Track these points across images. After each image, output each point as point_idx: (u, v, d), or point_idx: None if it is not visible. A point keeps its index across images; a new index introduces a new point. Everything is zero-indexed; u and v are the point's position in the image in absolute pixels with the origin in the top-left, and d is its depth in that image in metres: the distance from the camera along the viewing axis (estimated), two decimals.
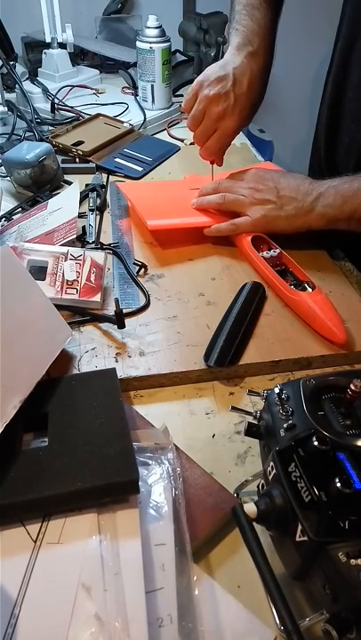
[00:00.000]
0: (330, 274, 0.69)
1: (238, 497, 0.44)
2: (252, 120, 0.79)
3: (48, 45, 1.19)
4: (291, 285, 0.65)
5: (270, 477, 0.37)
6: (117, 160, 0.96)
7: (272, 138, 1.85)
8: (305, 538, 0.33)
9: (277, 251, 0.69)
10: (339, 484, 0.32)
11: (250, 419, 0.44)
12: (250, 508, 0.35)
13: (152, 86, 1.13)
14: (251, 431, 0.43)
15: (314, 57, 1.92)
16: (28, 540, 0.38)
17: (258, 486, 0.40)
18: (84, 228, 0.76)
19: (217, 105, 0.74)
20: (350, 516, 0.32)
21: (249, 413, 0.44)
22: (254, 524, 0.35)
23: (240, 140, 1.10)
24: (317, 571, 0.33)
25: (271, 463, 0.37)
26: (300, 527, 0.33)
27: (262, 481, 0.39)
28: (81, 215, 0.77)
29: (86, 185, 0.86)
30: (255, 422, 0.43)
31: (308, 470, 0.35)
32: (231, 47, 0.78)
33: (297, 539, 0.33)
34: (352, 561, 0.31)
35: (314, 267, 0.70)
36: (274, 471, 0.36)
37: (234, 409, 0.46)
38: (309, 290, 0.63)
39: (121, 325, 0.58)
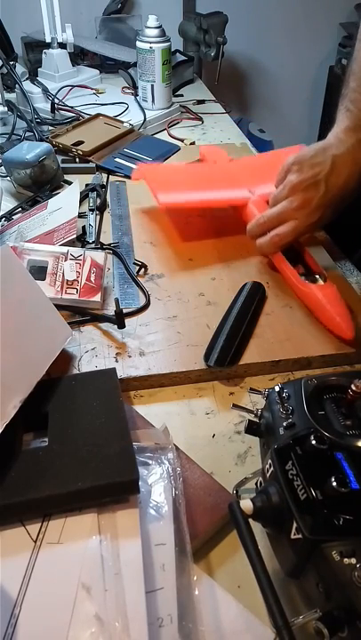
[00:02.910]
0: (330, 274, 0.69)
1: (238, 494, 0.44)
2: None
3: (48, 45, 1.19)
4: (301, 275, 0.63)
5: (268, 475, 0.37)
6: (117, 160, 0.96)
7: (272, 138, 1.85)
8: (300, 536, 0.33)
9: None
10: (335, 483, 0.32)
11: (250, 417, 0.44)
12: (246, 505, 0.35)
13: (152, 86, 1.13)
14: (251, 429, 0.43)
15: (314, 57, 1.93)
16: (28, 540, 0.38)
17: (256, 484, 0.40)
18: (84, 227, 0.76)
19: (303, 193, 0.64)
20: (345, 515, 0.32)
21: (250, 411, 0.44)
22: (251, 521, 0.35)
23: (240, 139, 1.10)
24: (311, 569, 0.33)
25: (269, 461, 0.37)
26: (295, 525, 0.33)
27: (260, 479, 0.39)
28: (81, 215, 0.77)
29: (86, 185, 0.86)
30: (256, 420, 0.43)
31: (305, 469, 0.35)
32: (337, 128, 0.66)
33: (292, 536, 0.33)
34: (345, 560, 0.31)
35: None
36: (271, 469, 0.36)
37: (235, 406, 0.46)
38: (321, 282, 0.62)
39: (121, 325, 0.58)
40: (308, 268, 0.66)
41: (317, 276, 0.63)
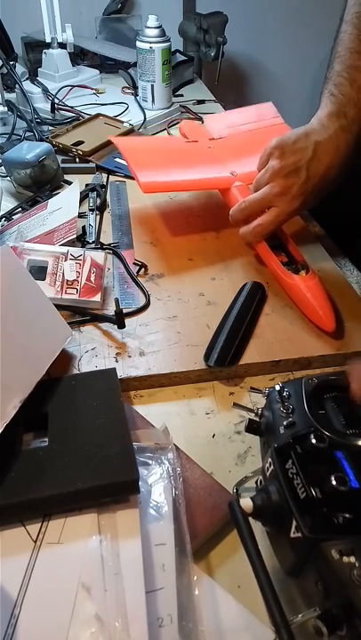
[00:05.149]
0: (329, 273, 0.69)
1: (238, 493, 0.44)
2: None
3: (48, 45, 1.19)
4: (284, 265, 0.64)
5: (268, 474, 0.37)
6: (117, 160, 0.96)
7: None
8: (299, 534, 0.33)
9: None
10: (334, 482, 0.32)
11: (251, 416, 0.44)
12: (246, 503, 0.35)
13: (152, 86, 1.13)
14: (252, 428, 0.43)
15: (314, 57, 1.92)
16: (28, 540, 0.38)
17: (256, 482, 0.40)
18: (84, 227, 0.76)
19: (284, 179, 0.63)
20: (345, 513, 0.32)
21: (250, 410, 0.45)
22: (251, 520, 0.35)
23: None
24: (311, 567, 0.33)
25: (269, 459, 0.37)
26: (294, 523, 0.33)
27: (260, 477, 0.39)
28: (81, 215, 0.77)
29: (86, 185, 0.86)
30: (256, 419, 0.44)
31: (305, 467, 0.35)
32: (321, 113, 0.66)
33: (291, 535, 0.33)
34: (344, 558, 0.31)
35: (314, 266, 0.70)
36: (271, 467, 0.37)
37: (236, 405, 0.46)
38: (303, 273, 0.62)
39: (121, 325, 0.58)
40: (291, 257, 0.66)
41: (300, 266, 0.64)
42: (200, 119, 1.18)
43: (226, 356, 0.55)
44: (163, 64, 1.10)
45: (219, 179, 0.75)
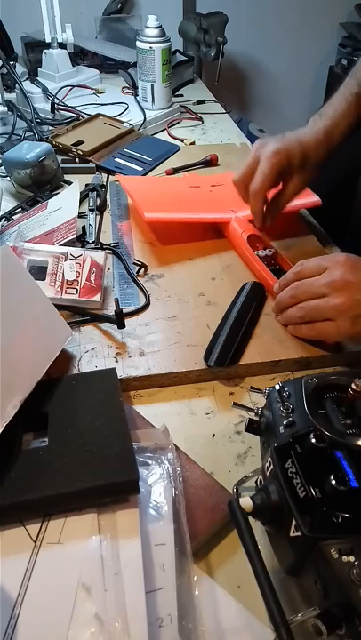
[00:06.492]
0: None
1: (238, 492, 0.44)
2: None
3: (48, 45, 1.19)
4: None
5: (268, 473, 0.37)
6: (117, 160, 0.96)
7: None
8: (298, 533, 0.33)
9: (273, 250, 0.69)
10: (334, 482, 0.32)
11: (251, 415, 0.44)
12: (246, 502, 0.35)
13: (152, 86, 1.13)
14: (252, 427, 0.43)
15: (314, 57, 1.93)
16: (28, 540, 0.38)
17: (256, 482, 0.40)
18: (84, 227, 0.76)
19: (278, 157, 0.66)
20: (344, 513, 0.33)
21: (250, 410, 0.44)
22: (251, 519, 0.35)
23: (240, 139, 1.10)
24: (310, 567, 0.33)
25: (269, 459, 0.37)
26: (294, 523, 0.33)
27: (260, 477, 0.39)
28: (81, 215, 0.77)
29: (86, 185, 0.86)
30: (256, 419, 0.44)
31: (305, 467, 0.35)
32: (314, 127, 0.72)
33: (291, 534, 0.34)
34: (344, 558, 0.31)
35: None
36: (271, 467, 0.37)
37: (236, 405, 0.46)
38: None
39: (121, 325, 0.58)
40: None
41: None
42: (200, 119, 1.18)
43: (226, 356, 0.55)
44: (163, 64, 1.10)
45: (220, 216, 0.77)
